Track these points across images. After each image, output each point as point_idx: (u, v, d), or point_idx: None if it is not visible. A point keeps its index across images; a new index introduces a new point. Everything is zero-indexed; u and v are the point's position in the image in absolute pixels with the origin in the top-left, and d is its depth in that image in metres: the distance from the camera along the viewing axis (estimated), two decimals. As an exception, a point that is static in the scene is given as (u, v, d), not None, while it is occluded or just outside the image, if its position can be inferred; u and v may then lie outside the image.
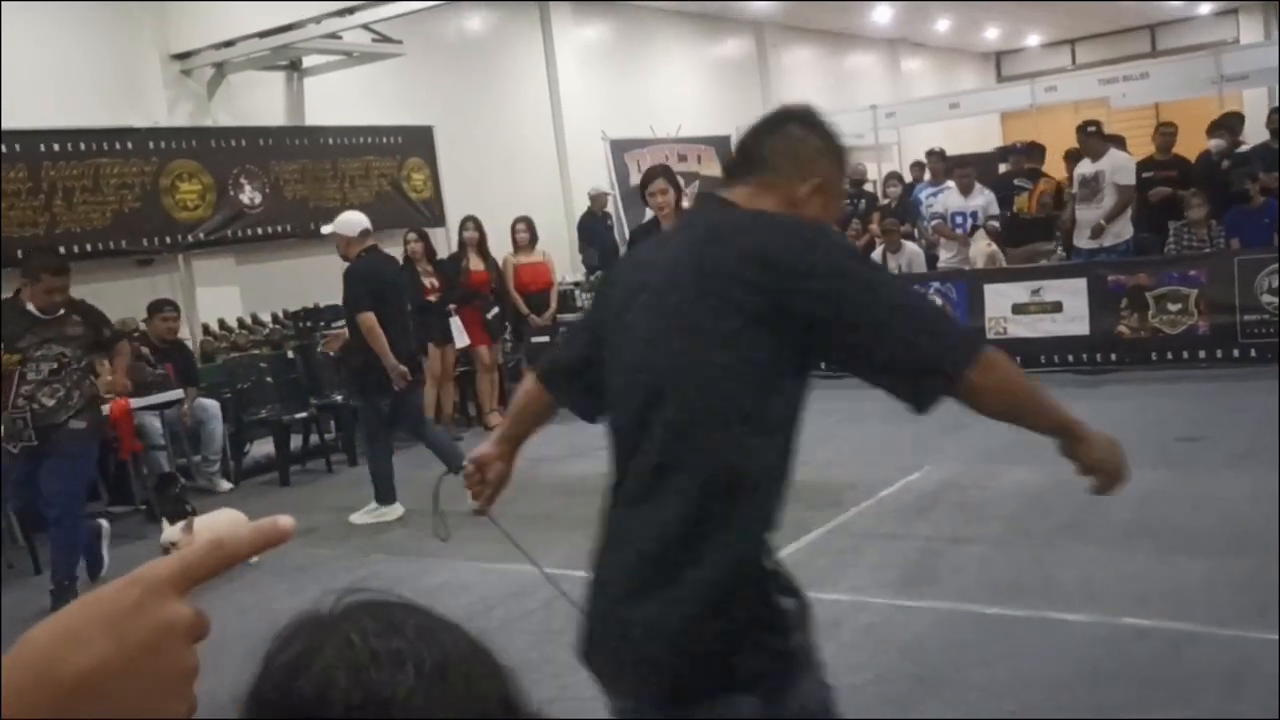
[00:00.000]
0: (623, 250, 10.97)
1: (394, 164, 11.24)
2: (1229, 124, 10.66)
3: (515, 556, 5.45)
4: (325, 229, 7.17)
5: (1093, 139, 9.51)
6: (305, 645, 0.80)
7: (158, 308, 8.18)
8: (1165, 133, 10.49)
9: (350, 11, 9.12)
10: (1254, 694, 3.37)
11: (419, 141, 11.48)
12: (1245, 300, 8.51)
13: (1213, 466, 6.02)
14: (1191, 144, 10.89)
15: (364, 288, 6.69)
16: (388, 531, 6.60)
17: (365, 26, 9.98)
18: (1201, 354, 8.71)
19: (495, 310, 9.48)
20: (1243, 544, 4.71)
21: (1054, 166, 11.48)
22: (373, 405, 6.91)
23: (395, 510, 6.85)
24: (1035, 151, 11.23)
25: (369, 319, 6.59)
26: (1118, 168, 9.31)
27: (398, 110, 11.49)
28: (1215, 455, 6.24)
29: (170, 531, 5.73)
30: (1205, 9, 21.10)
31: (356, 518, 6.87)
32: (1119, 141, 10.47)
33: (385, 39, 10.52)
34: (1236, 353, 8.57)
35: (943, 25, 19.87)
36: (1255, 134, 11.00)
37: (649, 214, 6.77)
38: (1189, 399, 7.74)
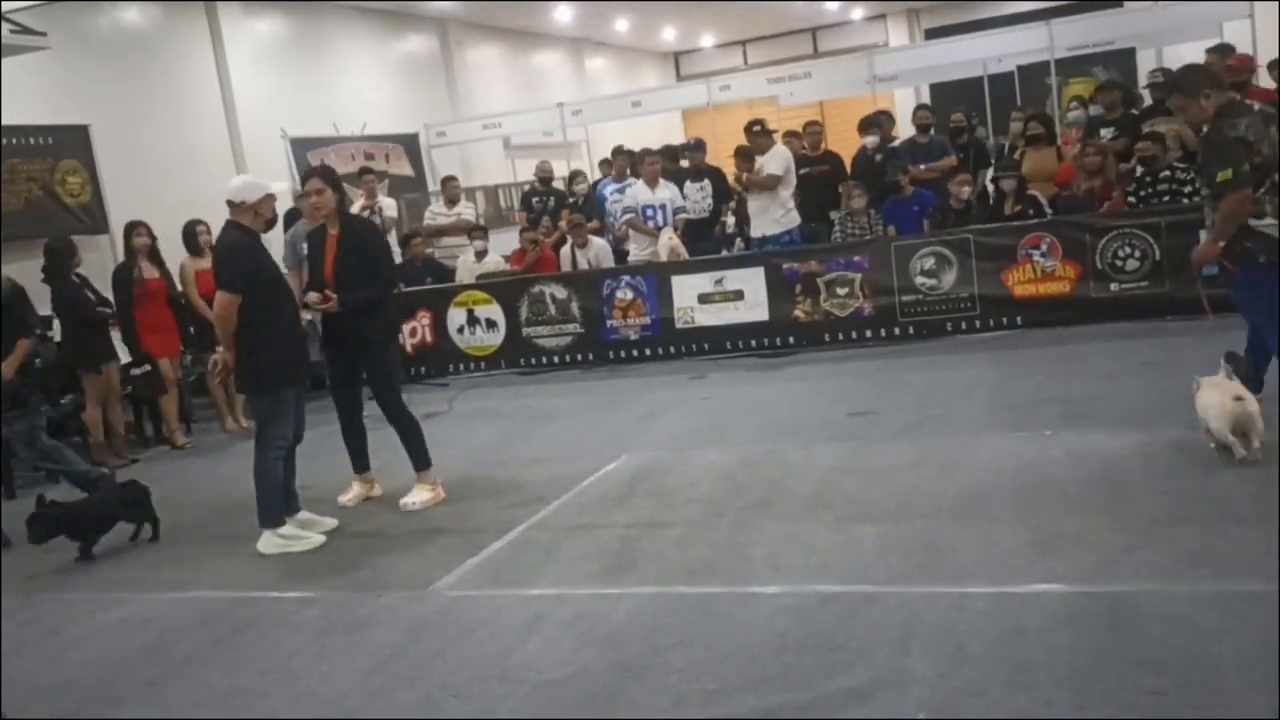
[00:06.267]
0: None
1: (45, 167, 10.32)
2: (879, 121, 11.54)
3: (195, 582, 5.11)
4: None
5: (759, 137, 10.04)
6: None
7: None
8: (813, 132, 11.28)
9: (-20, 0, 8.29)
10: (921, 644, 3.66)
11: (73, 142, 10.59)
12: (902, 282, 9.25)
13: (881, 439, 6.49)
14: (855, 140, 11.71)
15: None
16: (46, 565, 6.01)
17: (2, 17, 9.09)
18: (868, 334, 9.40)
19: (146, 368, 8.76)
20: (910, 508, 5.10)
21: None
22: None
23: None
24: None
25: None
26: (770, 159, 9.89)
27: (47, 109, 10.55)
28: (883, 428, 6.73)
29: None
30: (858, 14, 22.77)
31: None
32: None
33: (27, 30, 9.61)
34: (897, 331, 9.31)
35: (622, 26, 20.41)
36: (905, 130, 11.97)
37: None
38: (859, 376, 8.32)
